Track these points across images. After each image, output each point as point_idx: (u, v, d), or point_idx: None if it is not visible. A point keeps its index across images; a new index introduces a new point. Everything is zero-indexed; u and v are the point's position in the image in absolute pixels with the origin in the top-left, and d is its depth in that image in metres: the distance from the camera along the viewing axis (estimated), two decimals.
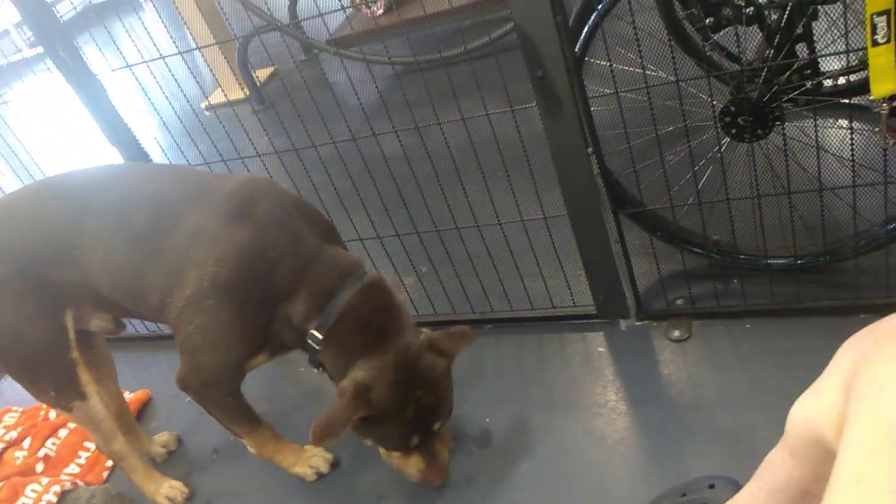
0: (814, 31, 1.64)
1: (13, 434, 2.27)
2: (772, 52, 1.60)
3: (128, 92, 2.46)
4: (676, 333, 1.78)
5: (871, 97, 1.33)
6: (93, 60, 2.16)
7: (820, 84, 1.65)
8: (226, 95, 2.32)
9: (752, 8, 1.58)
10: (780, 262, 1.75)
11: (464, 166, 1.87)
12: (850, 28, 1.36)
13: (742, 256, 1.80)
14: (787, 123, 1.59)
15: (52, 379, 1.69)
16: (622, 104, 1.58)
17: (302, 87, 1.98)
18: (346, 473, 1.79)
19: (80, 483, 2.01)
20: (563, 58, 1.47)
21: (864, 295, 1.63)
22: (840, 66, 1.63)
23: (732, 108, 1.59)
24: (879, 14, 1.20)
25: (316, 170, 1.99)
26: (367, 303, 1.51)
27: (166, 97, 2.03)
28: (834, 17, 1.58)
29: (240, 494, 1.88)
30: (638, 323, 1.86)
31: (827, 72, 1.67)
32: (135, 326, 2.49)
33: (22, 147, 2.44)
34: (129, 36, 2.05)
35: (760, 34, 1.64)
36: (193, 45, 2.22)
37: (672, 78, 1.52)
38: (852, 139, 1.46)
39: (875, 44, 1.23)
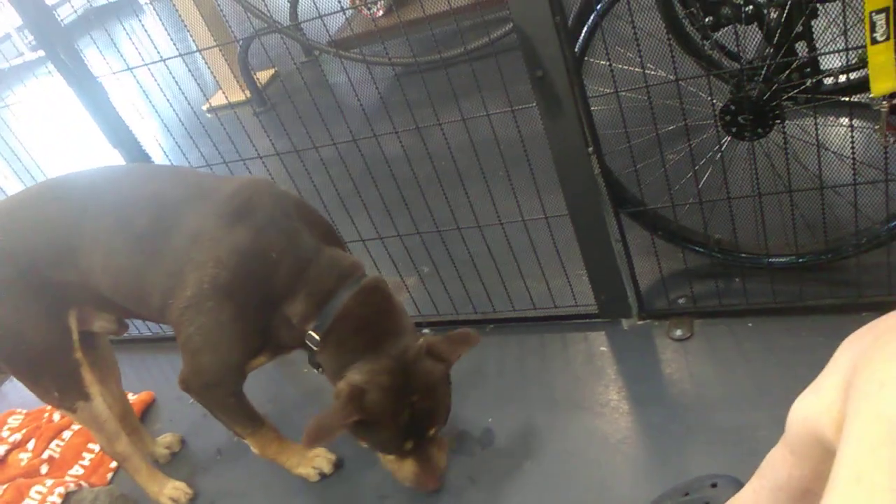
0: (813, 29, 1.64)
1: (18, 436, 2.27)
2: (771, 50, 1.60)
3: (129, 94, 2.46)
4: (678, 332, 1.78)
5: (871, 95, 1.33)
6: (94, 63, 2.17)
7: (820, 82, 1.65)
8: (227, 97, 2.32)
9: (751, 6, 1.58)
10: (781, 260, 1.75)
11: (465, 167, 1.87)
12: (849, 26, 1.36)
13: (743, 255, 1.80)
14: (787, 122, 1.59)
15: (56, 380, 1.70)
16: (622, 103, 1.58)
17: (303, 89, 1.99)
18: (349, 474, 1.79)
19: (85, 484, 2.01)
20: (563, 58, 1.48)
21: (866, 293, 1.63)
22: (840, 64, 1.63)
23: (733, 107, 1.59)
24: (878, 12, 1.20)
25: (317, 171, 1.99)
26: (365, 304, 1.51)
27: (167, 99, 2.03)
28: (833, 15, 1.58)
29: (243, 495, 1.88)
30: (640, 322, 1.86)
31: (827, 70, 1.67)
32: (138, 328, 2.50)
33: (24, 150, 2.45)
34: (130, 39, 2.06)
35: (760, 33, 1.64)
36: (194, 48, 2.22)
37: (672, 77, 1.52)
38: (853, 137, 1.46)
39: (874, 42, 1.23)
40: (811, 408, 0.64)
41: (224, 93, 2.40)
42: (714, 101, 1.60)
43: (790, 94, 1.59)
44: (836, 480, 0.53)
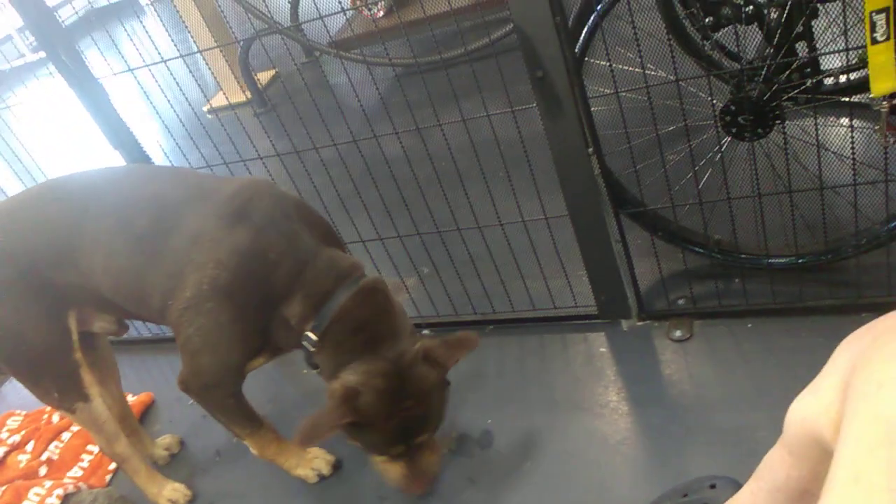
0: (814, 30, 1.64)
1: (16, 437, 2.27)
2: (772, 50, 1.60)
3: (130, 95, 2.46)
4: (678, 333, 1.78)
5: (871, 95, 1.32)
6: (95, 64, 2.17)
7: (820, 82, 1.65)
8: (227, 98, 2.32)
9: (751, 7, 1.58)
10: (781, 261, 1.74)
11: (465, 167, 1.87)
12: (849, 26, 1.35)
13: (743, 256, 1.79)
14: (787, 122, 1.59)
15: (56, 380, 1.70)
16: (622, 104, 1.57)
17: (303, 90, 1.99)
18: (347, 475, 1.79)
19: (83, 486, 2.01)
20: (563, 58, 1.47)
21: (866, 293, 1.63)
22: (840, 65, 1.63)
23: (733, 107, 1.59)
24: (878, 12, 1.20)
25: (317, 172, 1.99)
26: (362, 306, 1.50)
27: (168, 100, 2.03)
28: (834, 15, 1.57)
29: (242, 496, 1.88)
30: (639, 323, 1.86)
31: (827, 70, 1.67)
32: (137, 329, 2.50)
33: (25, 151, 2.45)
34: (131, 40, 2.06)
35: (760, 33, 1.64)
36: (195, 49, 2.22)
37: (672, 77, 1.52)
38: (853, 137, 1.46)
39: (874, 42, 1.23)
40: (809, 408, 0.64)
41: (225, 94, 2.40)
42: (714, 101, 1.60)
43: (790, 95, 1.59)
44: (833, 481, 0.53)
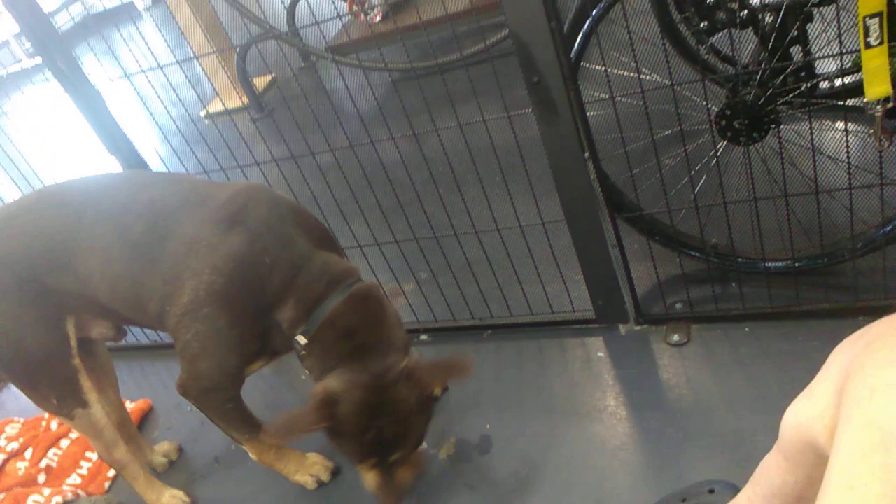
0: (808, 34, 1.64)
1: (15, 445, 2.27)
2: (766, 55, 1.60)
3: (126, 101, 2.46)
4: (675, 338, 1.78)
5: (866, 99, 1.33)
6: (91, 70, 2.17)
7: (815, 86, 1.66)
8: (223, 104, 2.32)
9: (745, 11, 1.58)
10: (777, 264, 1.75)
11: (461, 172, 1.87)
12: (844, 30, 1.36)
13: (740, 260, 1.80)
14: (782, 126, 1.59)
15: (54, 387, 1.69)
16: (618, 109, 1.58)
17: (300, 95, 1.99)
18: (346, 482, 1.79)
19: (82, 493, 2.01)
20: (559, 64, 1.48)
21: (862, 297, 1.63)
22: (835, 69, 1.63)
23: (728, 112, 1.60)
24: (872, 16, 1.20)
25: (314, 177, 1.99)
26: (353, 312, 1.50)
27: (164, 106, 2.03)
28: (829, 19, 1.58)
29: (241, 503, 1.87)
30: (637, 328, 1.86)
31: (822, 74, 1.67)
32: (135, 335, 2.50)
33: (21, 157, 2.45)
34: (128, 45, 2.06)
35: (755, 37, 1.65)
36: (192, 54, 2.22)
37: (667, 82, 1.52)
38: (847, 141, 1.46)
39: (868, 46, 1.24)
40: (804, 414, 0.64)
41: (221, 100, 2.40)
42: (709, 105, 1.60)
43: (785, 99, 1.59)
44: (828, 487, 0.53)
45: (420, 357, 1.53)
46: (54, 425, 2.30)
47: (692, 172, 1.67)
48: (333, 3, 2.23)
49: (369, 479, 1.55)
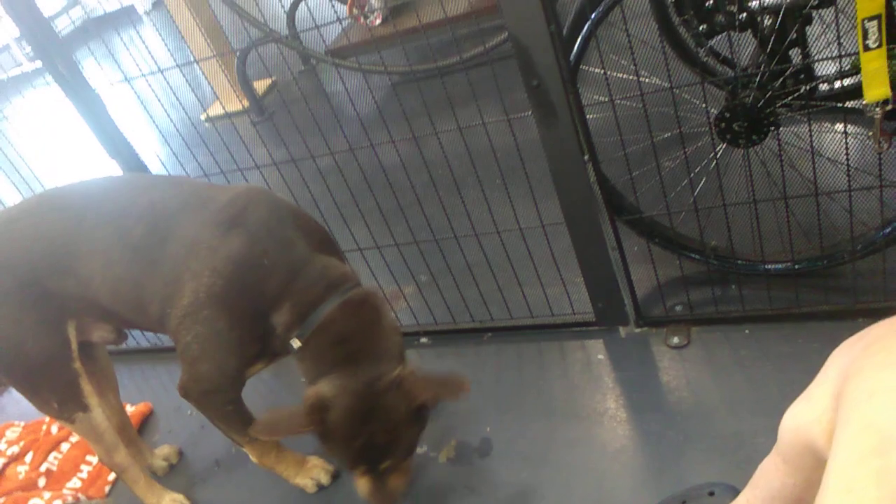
0: (807, 36, 1.64)
1: (15, 448, 2.27)
2: (766, 57, 1.61)
3: (127, 105, 2.47)
4: (675, 340, 1.78)
5: (865, 102, 1.33)
6: (92, 74, 2.17)
7: (814, 88, 1.66)
8: (224, 107, 2.33)
9: (744, 14, 1.58)
10: (777, 266, 1.75)
11: (461, 175, 1.88)
12: (843, 32, 1.36)
13: (740, 262, 1.80)
14: (782, 128, 1.59)
15: (55, 390, 1.70)
16: (618, 111, 1.58)
17: (300, 98, 1.99)
18: (346, 486, 1.79)
19: (82, 497, 2.01)
20: (558, 67, 1.48)
21: (862, 299, 1.63)
22: (834, 71, 1.63)
23: (727, 114, 1.60)
24: (870, 19, 1.21)
25: (315, 180, 1.99)
26: (349, 317, 1.49)
27: (165, 110, 2.03)
28: (828, 21, 1.58)
29: None
30: (637, 330, 1.86)
31: (821, 76, 1.68)
32: (136, 339, 2.50)
33: (22, 161, 2.45)
34: (128, 49, 2.06)
35: (754, 40, 1.65)
36: (192, 57, 2.23)
37: (667, 85, 1.53)
38: (847, 143, 1.47)
39: (867, 49, 1.24)
40: (802, 417, 0.64)
41: (221, 103, 2.40)
42: (709, 108, 1.60)
43: (784, 101, 1.59)
44: (826, 490, 0.53)
45: (415, 367, 1.50)
46: (55, 429, 2.30)
47: (692, 175, 1.67)
48: (333, 6, 2.23)
49: (361, 484, 1.54)
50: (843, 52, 1.38)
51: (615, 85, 1.56)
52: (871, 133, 1.47)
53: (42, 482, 2.13)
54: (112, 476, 2.09)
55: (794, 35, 1.58)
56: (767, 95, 1.57)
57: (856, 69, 1.37)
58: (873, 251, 1.62)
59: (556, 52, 1.47)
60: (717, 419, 1.58)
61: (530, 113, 1.57)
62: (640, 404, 1.69)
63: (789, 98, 1.59)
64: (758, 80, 1.58)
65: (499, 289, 1.98)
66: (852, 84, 1.77)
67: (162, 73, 1.95)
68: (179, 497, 1.90)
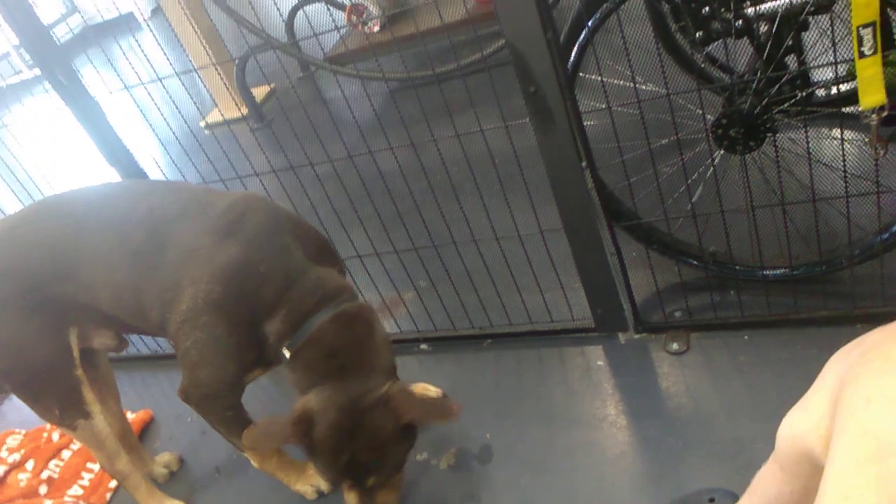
0: (803, 42, 1.65)
1: (16, 456, 2.27)
2: (762, 64, 1.61)
3: (126, 112, 2.47)
4: (675, 346, 1.78)
5: (861, 108, 1.34)
6: (91, 81, 2.18)
7: (811, 94, 1.66)
8: (222, 115, 2.33)
9: (741, 21, 1.59)
10: (776, 272, 1.75)
11: (460, 182, 1.88)
12: (839, 38, 1.37)
13: (738, 267, 1.80)
14: (779, 134, 1.60)
15: (57, 397, 1.70)
16: (615, 118, 1.59)
17: (299, 106, 2.00)
18: None
19: None
20: (555, 74, 1.49)
21: (860, 304, 1.64)
22: (830, 77, 1.64)
23: (724, 121, 1.60)
24: (865, 26, 1.21)
25: (314, 187, 2.00)
26: (340, 331, 1.48)
27: (164, 117, 2.04)
28: (823, 27, 1.59)
29: None
30: (636, 336, 1.87)
31: (817, 82, 1.68)
32: (136, 346, 2.50)
33: (21, 169, 2.45)
34: (126, 57, 2.07)
35: (751, 46, 1.65)
36: (191, 65, 2.23)
37: (664, 91, 1.53)
38: (843, 149, 1.47)
39: (862, 55, 1.24)
40: (799, 424, 0.64)
41: (220, 110, 2.41)
42: (706, 114, 1.61)
43: (781, 108, 1.60)
44: (823, 497, 0.53)
45: (404, 385, 1.49)
46: (56, 436, 2.30)
47: (689, 181, 1.67)
48: (331, 13, 2.24)
49: (349, 499, 1.53)
50: (839, 59, 1.39)
51: (612, 91, 1.57)
52: (867, 139, 1.48)
53: (43, 489, 2.13)
54: (113, 483, 2.09)
55: (790, 41, 1.59)
56: (764, 102, 1.57)
57: (851, 75, 1.38)
58: (871, 256, 1.63)
59: (552, 59, 1.47)
60: (716, 425, 1.58)
61: (528, 119, 1.57)
62: (639, 410, 1.69)
63: (786, 104, 1.60)
64: (754, 86, 1.58)
65: (498, 295, 1.98)
66: (848, 90, 1.78)
67: (161, 81, 1.95)
68: None
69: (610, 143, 1.65)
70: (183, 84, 2.01)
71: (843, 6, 1.42)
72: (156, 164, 2.42)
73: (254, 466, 1.76)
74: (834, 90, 1.75)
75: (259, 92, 4.26)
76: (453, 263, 1.99)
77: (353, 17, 3.98)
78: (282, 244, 1.52)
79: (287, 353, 1.50)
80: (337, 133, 1.88)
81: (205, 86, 3.16)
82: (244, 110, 3.93)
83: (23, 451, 2.28)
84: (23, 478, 2.19)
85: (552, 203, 1.70)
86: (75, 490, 2.11)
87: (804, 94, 1.62)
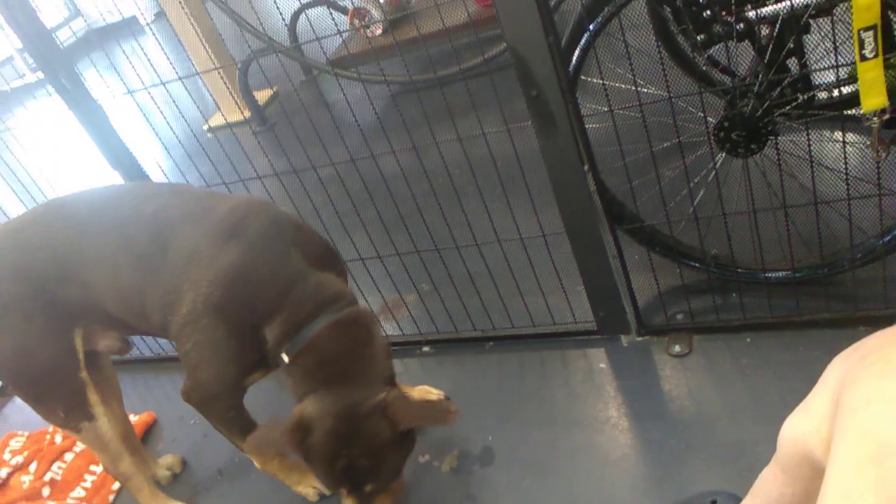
0: (805, 45, 1.65)
1: (19, 458, 2.28)
2: (764, 67, 1.61)
3: (129, 115, 2.48)
4: (677, 348, 1.79)
5: (863, 111, 1.34)
6: (94, 85, 2.18)
7: (812, 97, 1.67)
8: (225, 118, 2.34)
9: (742, 24, 1.59)
10: (778, 275, 1.75)
11: (462, 185, 1.88)
12: (840, 41, 1.37)
13: (740, 270, 1.80)
14: (780, 137, 1.60)
15: (62, 400, 1.70)
16: (617, 121, 1.59)
17: (301, 109, 2.00)
18: None
19: None
20: (557, 77, 1.49)
21: (862, 307, 1.64)
22: (831, 80, 1.64)
23: (726, 124, 1.61)
24: (866, 29, 1.21)
25: (316, 190, 2.00)
26: (338, 337, 1.48)
27: (167, 121, 2.04)
28: (825, 30, 1.59)
29: None
30: (639, 338, 1.87)
31: (818, 86, 1.68)
32: (139, 349, 2.50)
33: (25, 172, 2.46)
34: (129, 61, 2.07)
35: (752, 49, 1.66)
36: (193, 68, 2.24)
37: (666, 94, 1.53)
38: (845, 152, 1.47)
39: (863, 59, 1.25)
40: (800, 427, 0.64)
41: (222, 114, 2.41)
42: (708, 117, 1.61)
43: (783, 110, 1.60)
44: (824, 499, 0.53)
45: (401, 392, 1.50)
46: (59, 439, 2.30)
47: (691, 184, 1.68)
48: (333, 17, 2.25)
49: (347, 502, 1.53)
50: (840, 62, 1.39)
51: (614, 95, 1.57)
52: (869, 141, 1.48)
53: (46, 492, 2.13)
54: (116, 485, 2.10)
55: (791, 44, 1.59)
56: (766, 105, 1.58)
57: (853, 78, 1.38)
58: (873, 259, 1.63)
59: (554, 63, 1.48)
60: (718, 427, 1.58)
61: (530, 123, 1.58)
62: (641, 413, 1.70)
63: (788, 107, 1.60)
64: (756, 89, 1.58)
65: (500, 298, 1.98)
66: (850, 92, 1.78)
67: (164, 85, 1.95)
68: None
69: (612, 146, 1.65)
70: (186, 87, 2.02)
71: (844, 9, 1.42)
72: (159, 168, 2.42)
73: (256, 468, 1.77)
74: (835, 93, 1.75)
75: (262, 95, 4.27)
76: (455, 266, 1.99)
77: (356, 21, 3.99)
78: (282, 248, 1.53)
79: (285, 358, 1.50)
80: (339, 136, 1.89)
81: (208, 89, 3.17)
82: (247, 114, 3.94)
83: (26, 454, 2.29)
84: (26, 480, 2.19)
85: (554, 206, 1.70)
86: (78, 492, 2.12)
87: (806, 97, 1.62)
